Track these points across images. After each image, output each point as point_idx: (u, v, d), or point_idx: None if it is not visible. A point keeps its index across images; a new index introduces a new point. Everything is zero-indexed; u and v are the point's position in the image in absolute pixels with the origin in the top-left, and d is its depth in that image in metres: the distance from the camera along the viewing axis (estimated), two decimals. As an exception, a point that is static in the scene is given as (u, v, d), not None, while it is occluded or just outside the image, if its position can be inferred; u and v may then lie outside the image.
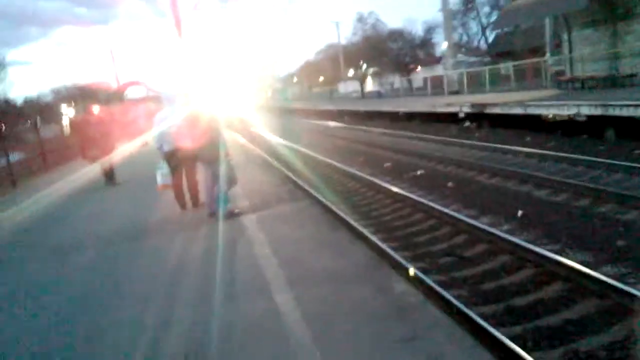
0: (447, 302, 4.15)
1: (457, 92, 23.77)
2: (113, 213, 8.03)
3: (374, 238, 6.07)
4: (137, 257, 5.43)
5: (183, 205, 7.36)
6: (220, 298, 3.82)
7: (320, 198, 8.10)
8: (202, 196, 7.02)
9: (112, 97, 33.17)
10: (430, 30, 51.94)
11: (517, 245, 5.31)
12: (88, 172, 11.48)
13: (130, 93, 39.33)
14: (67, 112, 32.13)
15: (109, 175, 10.79)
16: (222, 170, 6.23)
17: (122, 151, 16.87)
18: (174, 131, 6.85)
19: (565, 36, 16.28)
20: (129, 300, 4.14)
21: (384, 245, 5.76)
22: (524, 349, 3.35)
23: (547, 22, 18.28)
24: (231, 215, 6.36)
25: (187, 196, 7.34)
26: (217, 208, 6.34)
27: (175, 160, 7.08)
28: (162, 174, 7.25)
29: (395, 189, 8.57)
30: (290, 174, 10.62)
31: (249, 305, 3.60)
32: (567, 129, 11.93)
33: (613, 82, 14.08)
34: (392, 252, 5.49)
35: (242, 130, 21.05)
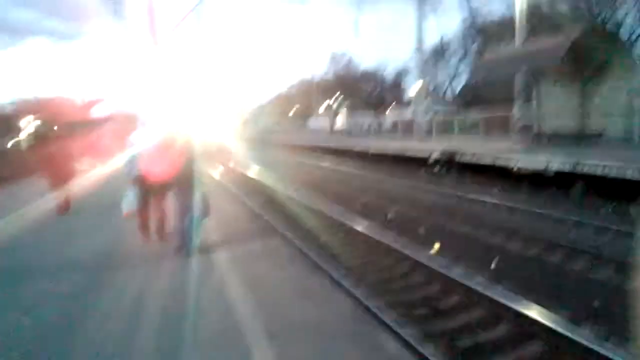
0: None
1: (426, 137, 24.28)
2: (65, 243, 7.45)
3: (346, 284, 5.87)
4: (87, 297, 4.86)
5: (147, 236, 6.94)
6: (187, 352, 3.46)
7: (292, 237, 7.85)
8: (170, 227, 6.62)
9: (77, 114, 32.08)
10: (401, 73, 53.90)
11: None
12: (44, 192, 10.79)
13: (97, 111, 38.20)
14: (27, 127, 30.80)
15: (65, 203, 9.90)
16: (195, 199, 5.91)
17: (85, 174, 16.13)
18: (146, 154, 6.52)
19: (534, 91, 17.01)
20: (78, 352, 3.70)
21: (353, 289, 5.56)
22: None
23: (517, 76, 19.09)
24: (201, 250, 6.01)
25: (154, 227, 6.93)
26: (187, 241, 5.99)
27: (145, 186, 6.72)
28: (128, 200, 6.84)
29: (365, 232, 8.46)
30: (261, 209, 10.33)
31: None
32: (534, 181, 12.24)
33: (579, 139, 14.66)
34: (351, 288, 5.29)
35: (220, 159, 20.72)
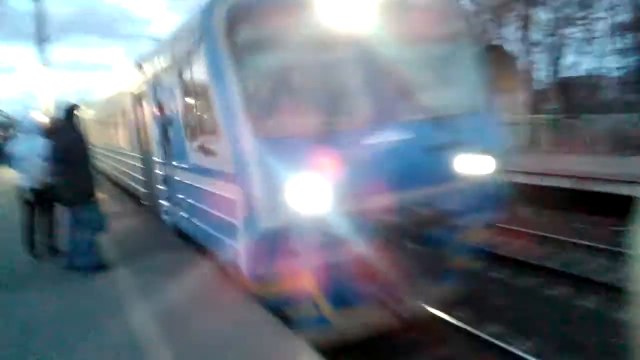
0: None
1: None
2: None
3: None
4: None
5: (35, 253, 6.24)
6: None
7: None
8: (62, 244, 5.98)
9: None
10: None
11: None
12: None
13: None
14: None
15: None
16: (88, 213, 5.39)
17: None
18: (28, 164, 5.87)
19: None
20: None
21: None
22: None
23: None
24: (97, 268, 5.49)
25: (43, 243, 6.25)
26: (81, 259, 5.45)
27: (28, 198, 6.04)
28: None
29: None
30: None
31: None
32: None
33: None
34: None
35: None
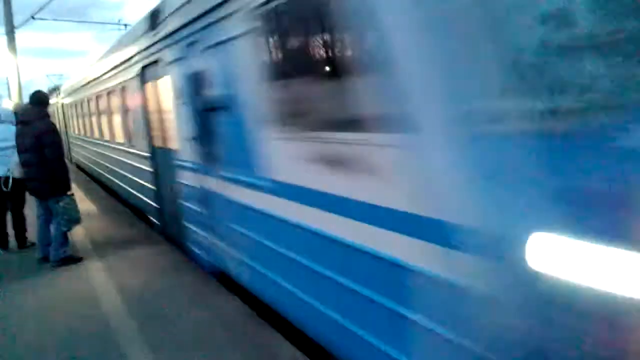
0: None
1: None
2: None
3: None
4: None
5: (4, 245, 6.10)
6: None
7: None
8: (33, 236, 5.87)
9: None
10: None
11: None
12: None
13: None
14: None
15: None
16: (61, 205, 5.27)
17: None
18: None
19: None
20: None
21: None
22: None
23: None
24: (70, 260, 5.40)
25: (12, 233, 6.12)
26: (53, 251, 5.35)
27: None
28: None
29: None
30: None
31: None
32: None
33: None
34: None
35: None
